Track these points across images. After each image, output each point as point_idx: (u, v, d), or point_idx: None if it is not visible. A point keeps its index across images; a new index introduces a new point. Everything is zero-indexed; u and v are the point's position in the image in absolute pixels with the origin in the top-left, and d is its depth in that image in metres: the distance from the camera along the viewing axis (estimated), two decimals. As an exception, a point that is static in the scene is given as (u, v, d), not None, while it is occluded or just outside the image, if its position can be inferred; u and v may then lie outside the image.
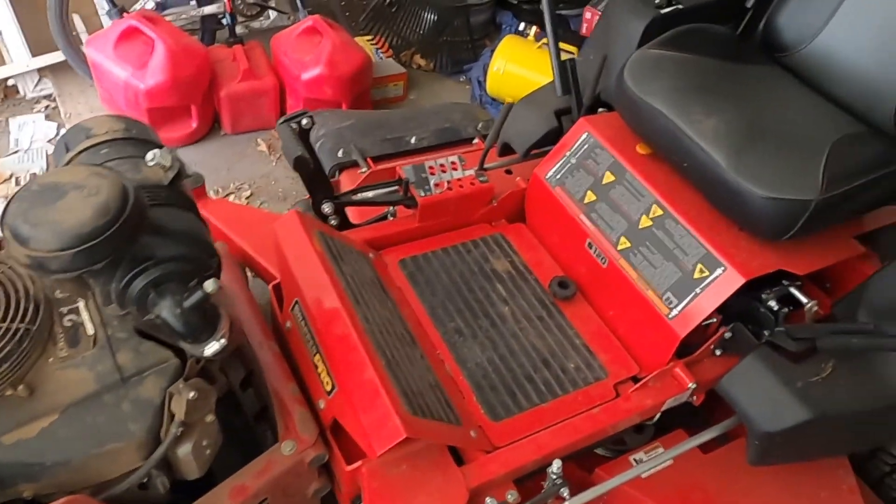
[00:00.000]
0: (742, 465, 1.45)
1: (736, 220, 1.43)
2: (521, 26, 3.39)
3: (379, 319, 1.38)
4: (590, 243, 1.63)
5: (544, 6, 1.83)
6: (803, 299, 1.43)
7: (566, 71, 1.84)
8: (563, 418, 1.40)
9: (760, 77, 1.63)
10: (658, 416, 1.51)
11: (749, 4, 1.78)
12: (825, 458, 1.51)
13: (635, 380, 1.50)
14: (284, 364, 1.37)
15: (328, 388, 1.29)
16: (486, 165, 1.86)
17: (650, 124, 1.52)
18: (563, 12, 3.69)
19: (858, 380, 1.34)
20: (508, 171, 1.97)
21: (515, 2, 3.65)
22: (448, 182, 1.74)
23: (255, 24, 3.38)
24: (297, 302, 1.39)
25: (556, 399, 1.44)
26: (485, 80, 3.18)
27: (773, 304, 1.44)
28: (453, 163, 1.80)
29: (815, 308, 1.43)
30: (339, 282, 1.37)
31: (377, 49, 3.22)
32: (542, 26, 3.51)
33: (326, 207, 1.66)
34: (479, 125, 2.36)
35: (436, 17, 3.37)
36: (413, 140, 2.38)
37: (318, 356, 1.32)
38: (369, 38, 3.24)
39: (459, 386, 1.44)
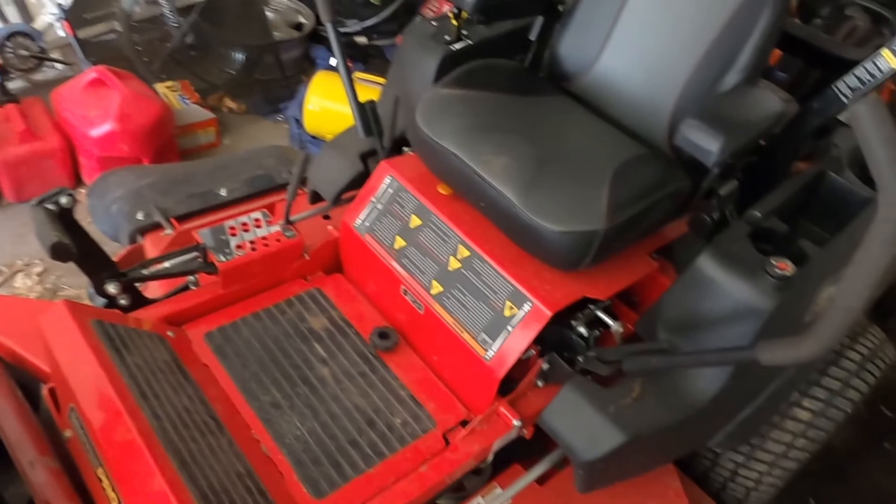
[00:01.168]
0: (574, 489, 1.47)
1: (534, 255, 1.44)
2: (334, 61, 3.32)
3: (174, 412, 1.24)
4: (405, 290, 1.58)
5: (334, 49, 1.76)
6: (608, 322, 1.47)
7: (366, 112, 1.79)
8: (391, 481, 1.34)
9: (551, 108, 1.65)
10: (492, 456, 1.49)
11: (533, 37, 1.81)
12: (649, 471, 1.57)
13: (465, 424, 1.46)
14: (64, 481, 1.19)
15: (115, 504, 1.13)
16: (294, 217, 1.76)
17: (445, 165, 1.50)
18: (378, 42, 3.68)
19: (663, 396, 1.39)
20: (327, 217, 1.88)
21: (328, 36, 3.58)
22: (251, 242, 1.63)
23: (38, 77, 3.04)
24: (72, 408, 1.22)
25: (383, 461, 1.38)
26: (302, 119, 3.07)
27: (582, 329, 1.47)
28: (256, 220, 1.69)
29: (620, 329, 1.47)
30: (121, 378, 1.22)
31: (181, 95, 3.02)
32: (354, 59, 3.48)
33: (111, 288, 1.48)
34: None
35: (243, 57, 3.22)
36: (224, 192, 2.22)
37: (101, 469, 1.16)
38: (170, 84, 3.03)
39: (278, 465, 1.33)
